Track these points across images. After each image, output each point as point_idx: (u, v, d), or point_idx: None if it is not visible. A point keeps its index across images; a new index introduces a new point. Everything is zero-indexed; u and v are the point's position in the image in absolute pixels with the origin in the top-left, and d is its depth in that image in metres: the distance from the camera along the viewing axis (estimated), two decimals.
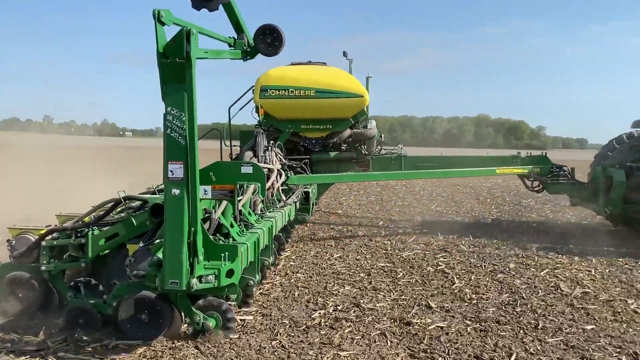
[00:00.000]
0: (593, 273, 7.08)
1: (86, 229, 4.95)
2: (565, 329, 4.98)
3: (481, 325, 5.02)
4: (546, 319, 5.22)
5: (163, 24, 3.90)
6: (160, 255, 4.18)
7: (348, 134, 9.81)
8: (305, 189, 8.32)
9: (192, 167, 3.89)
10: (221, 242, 4.48)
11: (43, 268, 4.90)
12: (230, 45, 5.36)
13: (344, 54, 10.68)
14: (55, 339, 4.43)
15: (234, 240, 4.66)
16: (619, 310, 5.55)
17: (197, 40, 3.84)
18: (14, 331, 4.64)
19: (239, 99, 10.32)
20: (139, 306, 4.46)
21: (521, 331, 4.91)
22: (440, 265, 7.34)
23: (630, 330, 4.99)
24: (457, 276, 6.78)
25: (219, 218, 4.72)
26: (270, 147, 7.43)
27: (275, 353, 4.25)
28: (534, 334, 4.86)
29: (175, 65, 3.84)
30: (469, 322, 5.09)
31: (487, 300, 5.83)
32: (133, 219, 4.88)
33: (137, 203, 5.16)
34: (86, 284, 5.07)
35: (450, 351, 4.39)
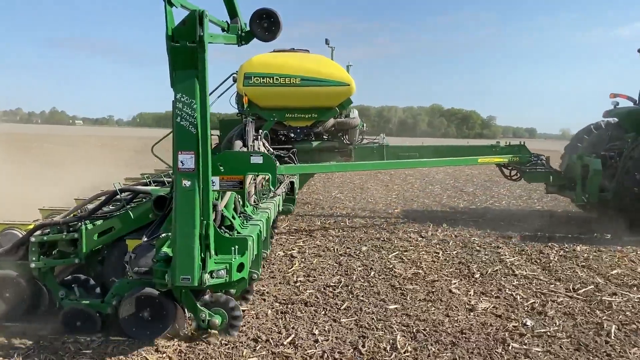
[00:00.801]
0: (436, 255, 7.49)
1: (79, 223, 4.67)
2: (367, 308, 5.17)
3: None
4: (357, 300, 5.44)
5: (172, 5, 3.66)
6: (167, 250, 3.96)
7: (332, 123, 9.65)
8: (291, 179, 8.18)
9: (204, 158, 3.68)
10: (227, 235, 4.29)
11: (32, 265, 4.60)
12: (223, 30, 5.14)
13: (326, 41, 10.46)
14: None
15: (238, 232, 4.47)
16: (434, 290, 5.80)
17: (208, 23, 3.61)
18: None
19: (217, 87, 10.05)
20: (141, 304, 4.22)
21: (322, 312, 5.05)
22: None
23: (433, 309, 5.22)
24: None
25: (222, 210, 4.52)
26: (259, 136, 7.23)
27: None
28: (334, 314, 5.01)
29: (185, 50, 3.60)
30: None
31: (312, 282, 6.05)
32: (130, 212, 4.63)
33: (129, 195, 4.90)
34: (79, 282, 4.80)
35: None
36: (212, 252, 3.85)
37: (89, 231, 4.60)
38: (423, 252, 7.59)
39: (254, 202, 5.67)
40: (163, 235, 4.08)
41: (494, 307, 5.29)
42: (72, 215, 5.07)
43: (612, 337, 4.57)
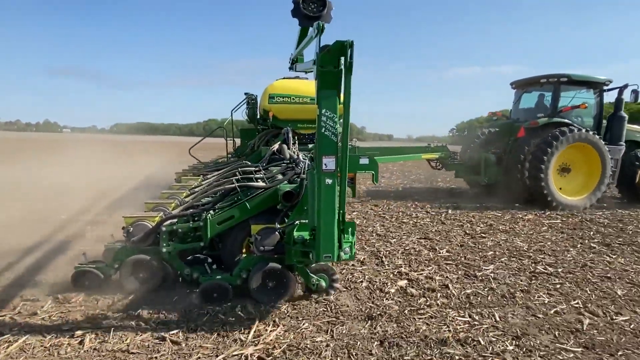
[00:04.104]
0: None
1: (203, 214, 4.11)
2: None
3: None
4: None
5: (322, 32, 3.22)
6: (303, 234, 3.56)
7: None
8: None
9: (344, 161, 3.31)
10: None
11: (164, 250, 4.01)
12: None
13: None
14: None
15: None
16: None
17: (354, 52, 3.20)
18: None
19: (239, 105, 9.49)
20: (268, 276, 3.82)
21: None
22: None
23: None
24: None
25: None
26: (295, 141, 6.79)
27: None
28: None
29: (329, 74, 3.20)
30: None
31: None
32: (247, 203, 4.13)
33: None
34: (200, 261, 4.25)
35: None
36: (345, 235, 3.49)
37: (213, 220, 4.05)
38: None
39: None
40: (297, 222, 3.65)
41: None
42: (184, 208, 4.47)
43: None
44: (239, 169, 5.11)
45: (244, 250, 4.32)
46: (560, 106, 9.99)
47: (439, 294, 4.15)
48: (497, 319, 3.65)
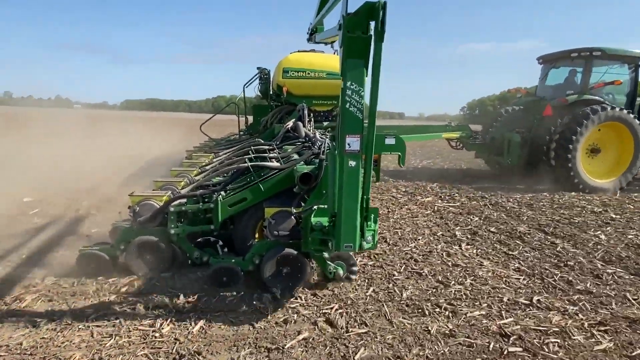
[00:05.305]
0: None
1: (214, 195, 3.80)
2: None
3: None
4: None
5: None
6: (321, 219, 3.23)
7: None
8: None
9: (370, 141, 2.93)
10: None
11: (172, 232, 3.73)
12: None
13: (332, 46, 9.60)
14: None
15: None
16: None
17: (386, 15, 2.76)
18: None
19: (251, 80, 9.07)
20: (283, 262, 3.53)
21: None
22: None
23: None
24: None
25: None
26: (311, 119, 6.40)
27: None
28: None
29: (356, 40, 2.78)
30: None
31: None
32: (260, 185, 3.80)
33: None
34: (211, 244, 3.97)
35: None
36: (368, 222, 3.15)
37: (224, 202, 3.75)
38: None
39: None
40: (315, 207, 3.32)
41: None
42: (193, 187, 4.17)
43: None
44: (252, 147, 4.77)
45: (256, 235, 4.03)
46: (592, 83, 9.34)
47: None
48: None
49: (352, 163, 2.92)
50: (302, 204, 3.60)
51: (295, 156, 4.27)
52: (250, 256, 3.62)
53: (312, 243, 3.21)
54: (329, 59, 8.30)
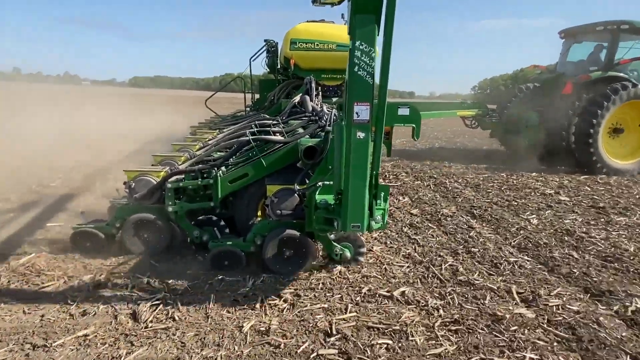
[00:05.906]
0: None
1: (213, 171, 3.56)
2: None
3: None
4: None
5: None
6: (326, 197, 2.96)
7: None
8: None
9: (381, 109, 2.63)
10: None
11: (170, 209, 3.51)
12: None
13: (342, 16, 9.11)
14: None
15: None
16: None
17: None
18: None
19: (258, 52, 8.69)
20: (285, 244, 3.29)
21: None
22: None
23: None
24: None
25: None
26: (318, 93, 6.07)
27: None
28: None
29: None
30: None
31: None
32: (262, 160, 3.54)
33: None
34: (212, 223, 3.75)
35: None
36: (378, 200, 2.88)
37: (224, 178, 3.50)
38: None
39: None
40: (320, 184, 3.05)
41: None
42: (192, 163, 3.93)
43: None
44: (256, 122, 4.49)
45: (258, 214, 3.80)
46: (617, 58, 8.77)
47: None
48: None
49: (361, 135, 2.64)
50: (307, 181, 3.34)
51: (300, 130, 3.99)
52: (251, 237, 3.39)
53: (316, 222, 2.96)
54: (340, 30, 7.87)
